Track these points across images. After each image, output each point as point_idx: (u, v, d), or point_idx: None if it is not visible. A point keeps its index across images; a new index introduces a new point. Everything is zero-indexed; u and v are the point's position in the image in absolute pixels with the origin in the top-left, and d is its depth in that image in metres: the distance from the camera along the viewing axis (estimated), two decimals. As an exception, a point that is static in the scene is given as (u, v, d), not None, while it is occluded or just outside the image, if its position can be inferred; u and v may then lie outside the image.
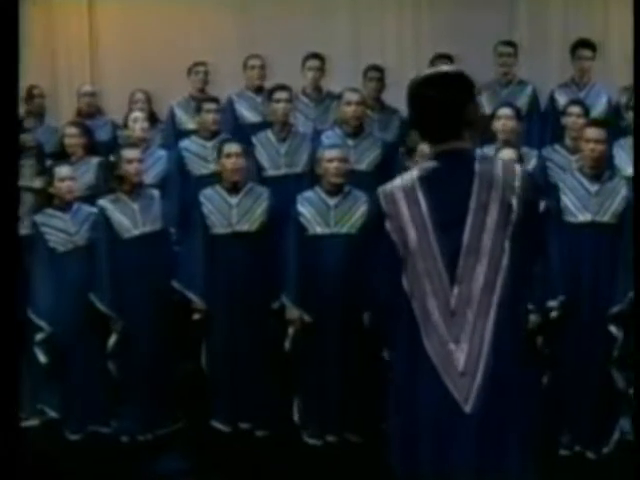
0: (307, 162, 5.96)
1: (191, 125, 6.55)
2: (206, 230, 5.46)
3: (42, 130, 6.78)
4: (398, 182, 3.01)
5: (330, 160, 5.30)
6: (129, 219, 5.46)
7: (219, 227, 5.46)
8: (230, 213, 5.47)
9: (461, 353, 2.86)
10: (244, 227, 5.47)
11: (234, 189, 5.51)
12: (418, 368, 2.91)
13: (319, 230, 5.31)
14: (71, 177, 5.58)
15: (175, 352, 5.57)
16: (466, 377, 2.85)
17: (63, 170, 5.56)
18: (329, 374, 5.29)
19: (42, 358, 5.45)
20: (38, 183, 5.98)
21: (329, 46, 6.89)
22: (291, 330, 5.32)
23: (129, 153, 5.52)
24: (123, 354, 5.40)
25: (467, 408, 2.85)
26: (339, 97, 6.15)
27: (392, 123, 6.45)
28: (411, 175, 3.01)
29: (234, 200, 5.50)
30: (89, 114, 6.84)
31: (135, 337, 5.41)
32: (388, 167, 5.75)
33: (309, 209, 5.32)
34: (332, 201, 5.34)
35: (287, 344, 5.32)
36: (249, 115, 6.60)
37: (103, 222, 5.44)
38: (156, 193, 5.65)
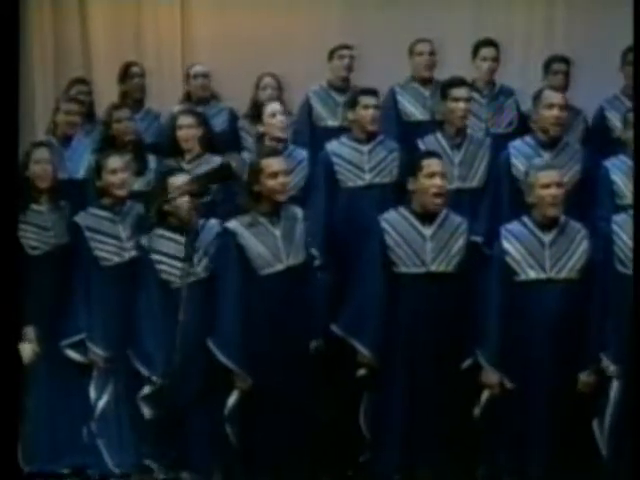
0: (484, 175, 4.94)
1: (332, 122, 5.46)
2: (388, 266, 4.39)
3: (140, 117, 5.61)
4: None
5: (546, 186, 4.31)
6: (270, 250, 4.35)
7: (410, 265, 4.37)
8: (424, 248, 4.36)
9: None
10: (440, 267, 4.37)
11: (428, 217, 4.40)
12: None
13: (532, 275, 4.32)
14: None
15: (320, 414, 4.56)
16: None
17: (181, 179, 4.41)
18: (529, 447, 4.38)
19: (146, 412, 4.52)
20: (138, 185, 4.92)
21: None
22: (485, 395, 4.42)
23: (274, 163, 4.34)
24: (245, 417, 4.38)
25: None
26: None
27: (576, 126, 5.40)
28: None
29: (428, 231, 4.39)
30: (201, 99, 5.69)
31: (264, 397, 4.35)
32: (586, 185, 4.82)
33: (518, 247, 4.36)
34: (547, 237, 4.35)
35: (477, 410, 4.44)
36: (414, 112, 5.48)
37: (235, 253, 4.33)
38: (299, 213, 4.51)
